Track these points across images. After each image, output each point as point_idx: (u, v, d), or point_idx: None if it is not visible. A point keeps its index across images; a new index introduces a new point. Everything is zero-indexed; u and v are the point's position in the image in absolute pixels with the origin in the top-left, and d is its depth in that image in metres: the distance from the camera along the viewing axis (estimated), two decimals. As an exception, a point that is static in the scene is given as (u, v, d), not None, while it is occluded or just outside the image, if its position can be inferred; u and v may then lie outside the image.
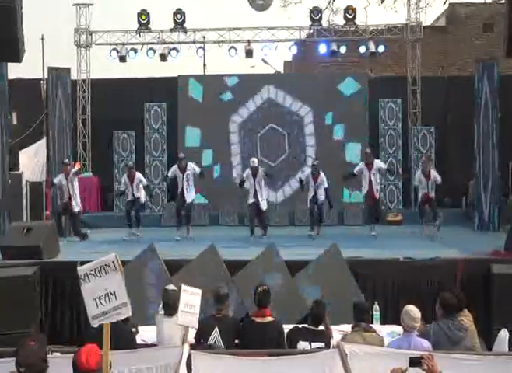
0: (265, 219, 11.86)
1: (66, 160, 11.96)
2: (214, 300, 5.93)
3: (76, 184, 11.58)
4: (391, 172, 13.14)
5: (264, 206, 11.63)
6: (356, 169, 11.99)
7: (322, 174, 11.78)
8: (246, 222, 13.45)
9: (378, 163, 12.02)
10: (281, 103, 15.22)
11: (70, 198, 11.42)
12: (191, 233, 11.77)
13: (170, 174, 12.01)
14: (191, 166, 11.77)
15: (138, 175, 11.91)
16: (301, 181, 12.00)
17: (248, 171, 11.70)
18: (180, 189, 11.73)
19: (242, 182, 11.89)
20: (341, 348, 4.21)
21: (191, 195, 11.76)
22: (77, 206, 11.56)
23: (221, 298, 5.96)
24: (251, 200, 11.56)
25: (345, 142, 15.03)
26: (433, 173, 11.48)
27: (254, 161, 11.79)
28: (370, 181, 11.64)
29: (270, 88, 15.23)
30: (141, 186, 11.78)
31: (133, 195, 11.71)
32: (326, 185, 11.79)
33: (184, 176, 11.61)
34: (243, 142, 15.19)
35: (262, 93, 15.21)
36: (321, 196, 11.72)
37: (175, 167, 11.80)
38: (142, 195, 11.87)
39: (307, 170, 12.77)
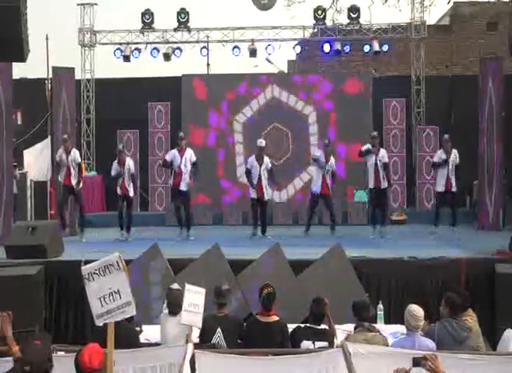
0: (266, 214, 11.30)
1: (65, 136, 11.40)
2: (215, 297, 5.93)
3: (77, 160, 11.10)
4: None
5: (266, 196, 11.01)
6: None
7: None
8: (250, 221, 13.41)
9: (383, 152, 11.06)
10: (285, 102, 15.20)
11: (69, 174, 11.03)
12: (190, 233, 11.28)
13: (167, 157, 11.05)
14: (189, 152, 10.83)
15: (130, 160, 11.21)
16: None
17: (253, 158, 11.06)
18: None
19: (248, 171, 11.08)
20: (345, 347, 4.21)
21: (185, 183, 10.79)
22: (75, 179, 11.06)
23: (223, 295, 5.95)
24: (254, 195, 11.09)
25: (349, 142, 14.99)
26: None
27: (262, 142, 11.07)
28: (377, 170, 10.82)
29: (274, 88, 15.22)
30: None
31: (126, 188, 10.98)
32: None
33: (183, 160, 10.73)
34: (247, 142, 15.16)
35: (266, 93, 15.19)
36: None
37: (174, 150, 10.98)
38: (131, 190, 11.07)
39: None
